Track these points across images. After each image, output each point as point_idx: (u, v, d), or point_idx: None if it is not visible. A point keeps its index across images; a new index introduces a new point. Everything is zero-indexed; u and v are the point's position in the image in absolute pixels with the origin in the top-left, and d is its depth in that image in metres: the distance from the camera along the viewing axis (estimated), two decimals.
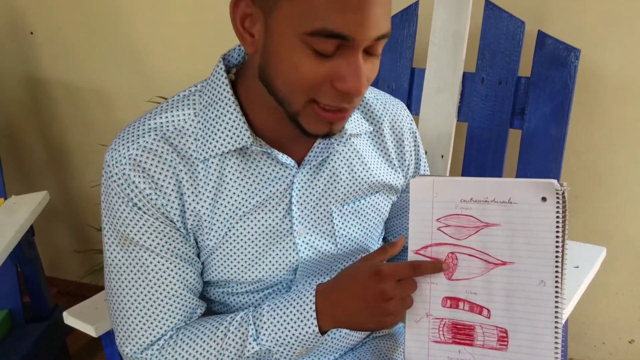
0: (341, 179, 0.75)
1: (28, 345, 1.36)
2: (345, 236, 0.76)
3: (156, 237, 0.68)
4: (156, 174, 0.67)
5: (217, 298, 0.77)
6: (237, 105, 0.67)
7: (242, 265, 0.72)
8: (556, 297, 0.62)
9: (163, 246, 0.69)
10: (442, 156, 1.13)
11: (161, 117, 0.69)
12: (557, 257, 0.62)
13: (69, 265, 1.98)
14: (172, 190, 0.68)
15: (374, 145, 0.78)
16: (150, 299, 0.70)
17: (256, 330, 0.68)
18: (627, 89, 1.15)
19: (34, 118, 1.83)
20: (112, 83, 1.66)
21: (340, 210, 0.75)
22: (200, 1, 1.47)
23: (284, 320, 0.68)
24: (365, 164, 0.76)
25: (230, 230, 0.71)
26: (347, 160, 0.75)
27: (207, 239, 0.70)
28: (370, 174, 0.77)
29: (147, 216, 0.67)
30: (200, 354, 0.69)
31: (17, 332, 1.41)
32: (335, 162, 0.74)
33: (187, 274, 0.71)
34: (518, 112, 1.08)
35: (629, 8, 1.09)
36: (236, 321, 0.70)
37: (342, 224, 0.76)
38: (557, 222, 0.62)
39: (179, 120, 0.69)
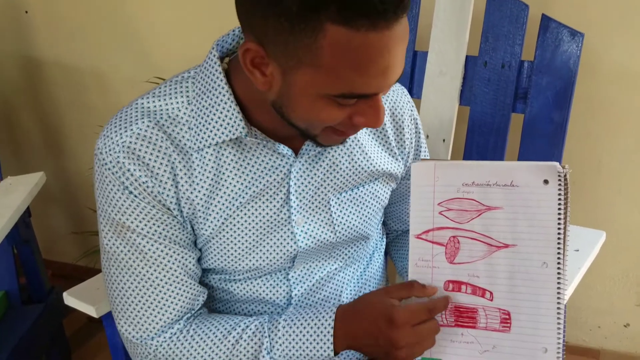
0: (341, 167, 0.74)
1: (25, 327, 1.35)
2: (344, 224, 0.76)
3: (153, 224, 0.68)
4: (151, 162, 0.66)
5: (217, 284, 0.77)
6: (231, 95, 0.65)
7: (239, 254, 0.72)
8: (558, 278, 0.62)
9: (160, 233, 0.68)
10: (444, 140, 1.12)
11: (154, 103, 0.67)
12: (559, 239, 0.62)
13: (64, 248, 1.98)
14: (168, 178, 0.67)
15: (374, 134, 0.77)
16: (151, 285, 0.69)
17: (270, 344, 0.68)
18: (628, 75, 1.15)
19: (30, 99, 1.81)
20: (110, 63, 1.63)
21: (338, 198, 0.75)
22: None
23: (300, 339, 0.68)
24: (366, 153, 0.75)
25: (227, 220, 0.70)
26: (348, 149, 0.74)
27: (203, 227, 0.70)
28: (370, 163, 0.76)
29: (143, 204, 0.67)
30: (209, 355, 0.69)
31: (13, 313, 1.40)
32: (336, 150, 0.73)
33: (185, 259, 0.71)
34: (521, 97, 1.07)
35: None
36: (250, 329, 0.69)
37: (340, 212, 0.75)
38: (559, 204, 0.62)
39: (173, 108, 0.67)
